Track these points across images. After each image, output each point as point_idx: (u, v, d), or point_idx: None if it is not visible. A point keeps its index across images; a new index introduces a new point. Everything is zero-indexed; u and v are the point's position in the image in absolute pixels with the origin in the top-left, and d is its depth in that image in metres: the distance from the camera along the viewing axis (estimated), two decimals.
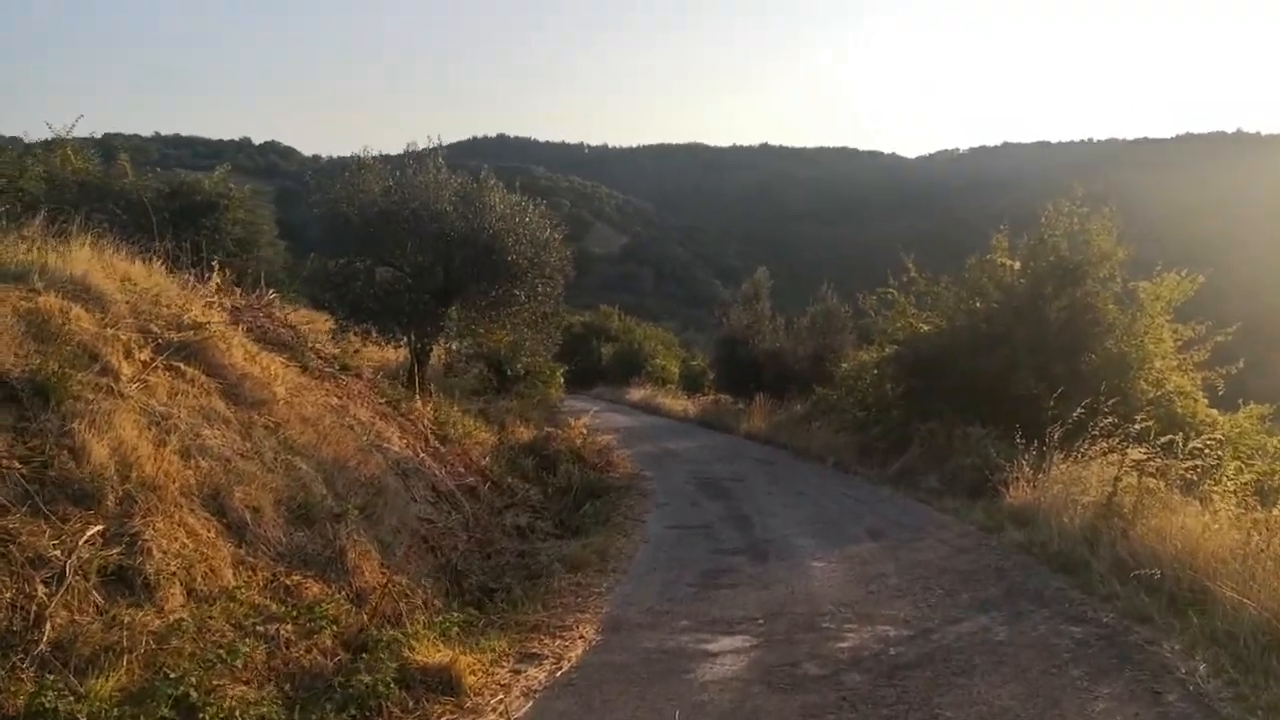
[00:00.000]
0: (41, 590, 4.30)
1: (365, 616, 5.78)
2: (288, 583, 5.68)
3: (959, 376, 15.27)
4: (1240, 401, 14.34)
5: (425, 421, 11.55)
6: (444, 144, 19.10)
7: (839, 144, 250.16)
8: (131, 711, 3.98)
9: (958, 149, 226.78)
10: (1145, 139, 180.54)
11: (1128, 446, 9.46)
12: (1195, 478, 9.14)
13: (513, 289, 16.88)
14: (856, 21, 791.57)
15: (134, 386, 6.21)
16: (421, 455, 9.99)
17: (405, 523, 7.83)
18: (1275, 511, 7.20)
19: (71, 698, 3.92)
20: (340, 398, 9.48)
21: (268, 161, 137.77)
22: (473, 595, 7.49)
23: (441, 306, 17.05)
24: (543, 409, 22.52)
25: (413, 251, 16.89)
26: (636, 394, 38.05)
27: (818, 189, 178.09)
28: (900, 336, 17.58)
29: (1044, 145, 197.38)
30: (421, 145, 18.09)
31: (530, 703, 5.25)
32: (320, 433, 7.85)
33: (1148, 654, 5.91)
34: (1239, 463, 10.88)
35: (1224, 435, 12.08)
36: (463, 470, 10.93)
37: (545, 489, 12.72)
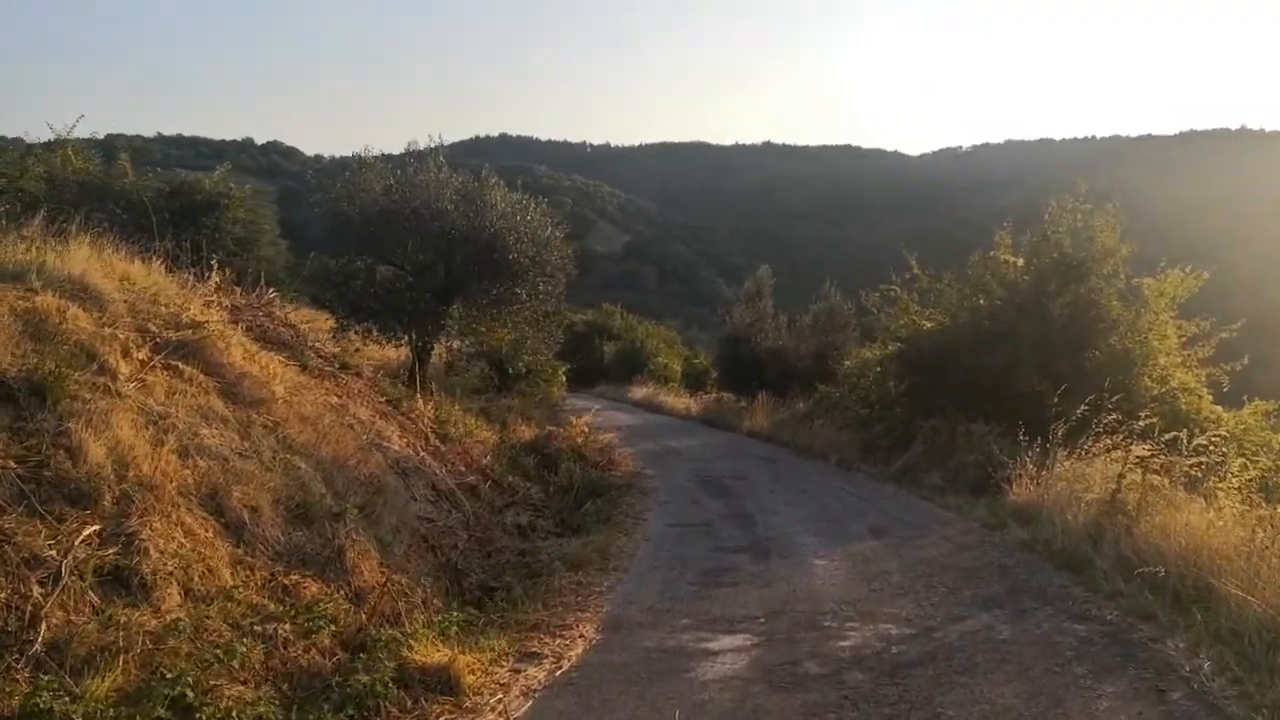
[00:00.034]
0: (37, 590, 4.28)
1: (364, 616, 5.76)
2: (286, 582, 5.66)
3: (962, 373, 15.22)
4: (1245, 398, 14.28)
5: (426, 420, 11.52)
6: (446, 143, 19.13)
7: (842, 142, 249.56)
8: (127, 712, 3.96)
9: (960, 147, 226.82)
10: (1149, 136, 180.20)
11: (1131, 443, 9.41)
12: (1199, 474, 9.09)
13: (514, 287, 16.85)
14: (857, 21, 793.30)
15: (131, 386, 6.19)
16: (422, 454, 9.96)
17: (405, 522, 7.81)
18: None
19: (67, 698, 3.89)
20: (340, 396, 9.46)
21: (270, 161, 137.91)
22: (473, 594, 7.47)
23: (442, 305, 17.02)
24: (544, 407, 22.50)
25: (414, 250, 16.86)
26: (639, 392, 38.04)
27: (820, 187, 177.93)
28: (903, 334, 17.53)
29: (1047, 142, 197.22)
30: (422, 144, 18.09)
31: (529, 702, 5.22)
32: (319, 432, 7.82)
33: (1152, 652, 5.88)
34: (1244, 459, 10.81)
35: (1228, 432, 11.99)
36: (463, 469, 10.91)
37: (546, 487, 12.69)
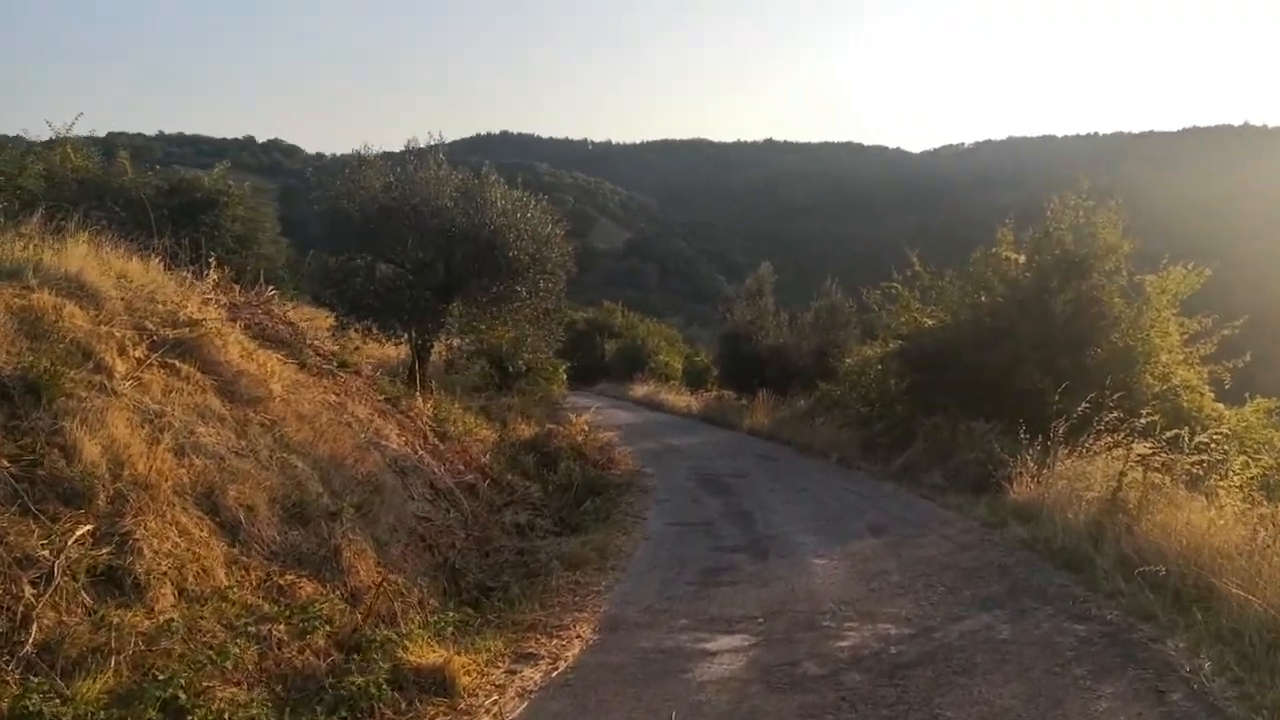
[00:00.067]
0: (29, 591, 4.25)
1: (359, 616, 5.73)
2: (281, 582, 5.63)
3: (963, 371, 15.18)
4: (1247, 395, 14.25)
5: (424, 418, 11.49)
6: (448, 141, 19.12)
7: (843, 139, 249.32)
8: (119, 714, 3.94)
9: (962, 143, 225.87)
10: (1151, 132, 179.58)
11: (1133, 441, 9.38)
12: (1201, 473, 9.07)
13: (514, 285, 16.80)
14: (858, 19, 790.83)
15: (127, 384, 6.16)
16: (420, 452, 9.93)
17: (402, 521, 7.78)
18: None
19: (57, 700, 3.87)
20: (338, 395, 9.43)
21: (271, 160, 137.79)
22: (470, 594, 7.45)
23: (442, 303, 16.99)
24: (545, 406, 22.49)
25: (414, 248, 16.82)
26: (640, 390, 38.02)
27: (822, 184, 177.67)
28: (904, 331, 17.49)
29: (1049, 139, 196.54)
30: (423, 142, 18.04)
31: (525, 704, 5.20)
32: (317, 430, 7.79)
33: (1152, 652, 5.85)
34: (1245, 457, 10.80)
35: (1230, 430, 11.96)
36: (462, 468, 10.88)
37: (546, 486, 12.66)
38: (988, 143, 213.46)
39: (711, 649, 6.18)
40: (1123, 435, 9.75)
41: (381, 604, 6.01)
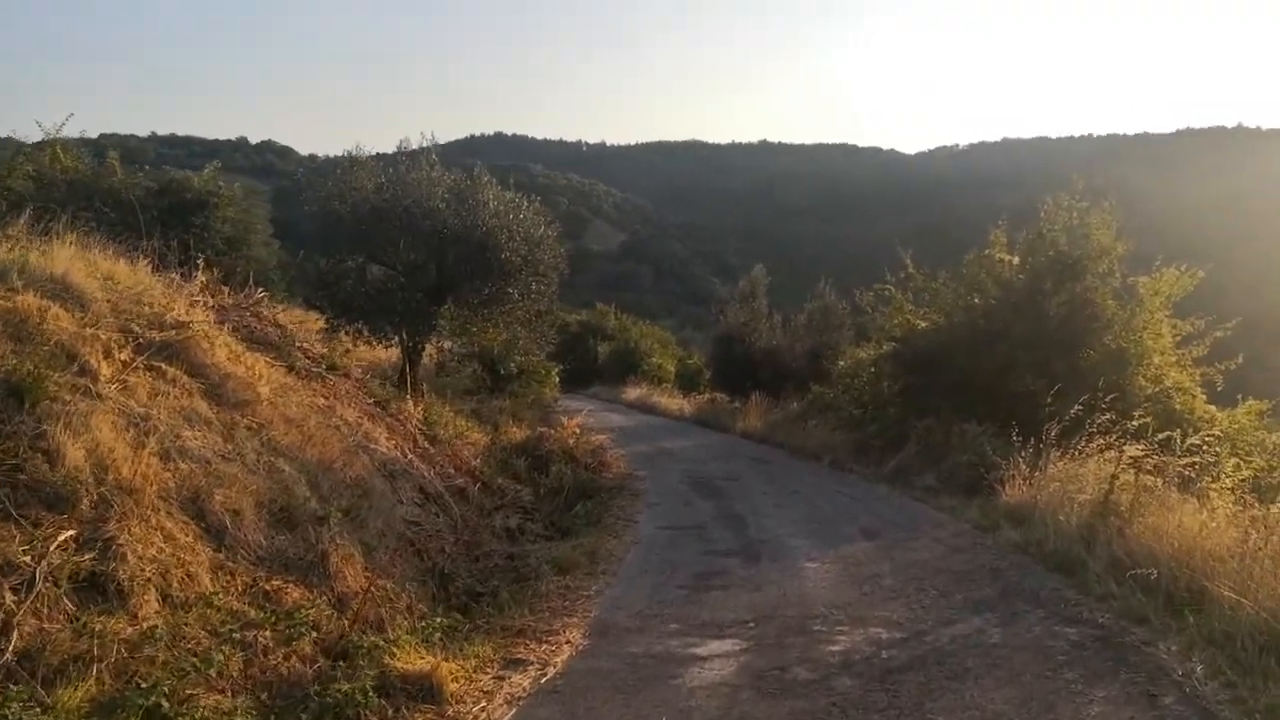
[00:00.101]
0: (9, 597, 4.20)
1: (347, 622, 5.68)
2: (268, 588, 5.57)
3: (956, 373, 15.17)
4: (1239, 397, 14.24)
5: (414, 422, 11.44)
6: (441, 143, 18.92)
7: (838, 140, 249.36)
8: None
9: (957, 145, 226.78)
10: (1146, 134, 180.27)
11: (1125, 443, 9.38)
12: (1193, 475, 9.04)
13: (506, 287, 16.70)
14: (856, 21, 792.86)
15: (112, 387, 6.10)
16: (410, 456, 9.88)
17: (391, 525, 7.72)
18: (1273, 509, 7.10)
19: (38, 709, 3.83)
20: (327, 398, 9.36)
21: (264, 161, 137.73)
22: (459, 599, 7.39)
23: (434, 305, 16.88)
24: (537, 409, 22.45)
25: (405, 249, 16.73)
26: (633, 393, 37.93)
27: (816, 186, 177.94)
28: (897, 333, 17.48)
29: (1044, 140, 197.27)
30: (415, 143, 17.95)
31: (513, 710, 5.16)
32: (305, 434, 7.73)
33: (1144, 655, 5.83)
34: (1237, 459, 10.75)
35: (1222, 431, 11.96)
36: (452, 471, 10.82)
37: (537, 490, 12.59)
38: (982, 144, 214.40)
39: (702, 654, 6.14)
40: (1115, 437, 9.75)
41: (369, 609, 5.97)
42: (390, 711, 4.86)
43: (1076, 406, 10.68)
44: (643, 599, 7.66)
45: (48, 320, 6.24)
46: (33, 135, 13.89)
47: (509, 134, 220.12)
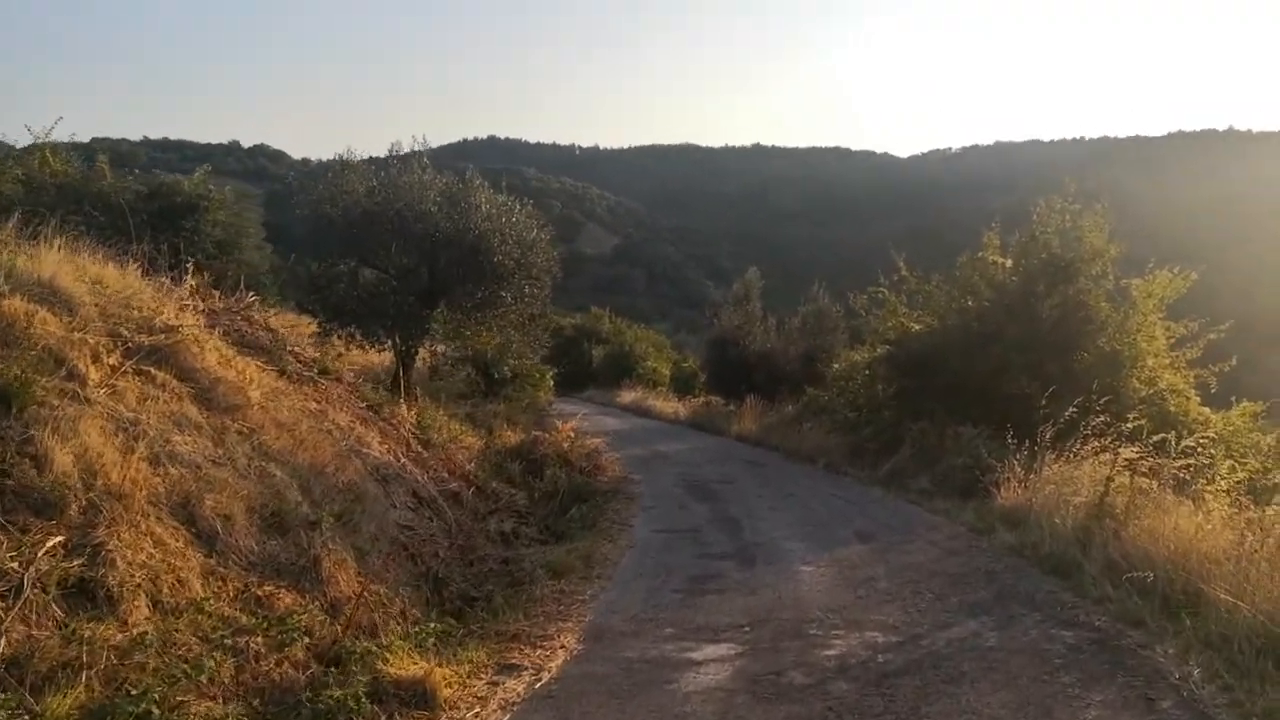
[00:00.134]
0: None
1: (339, 628, 5.63)
2: (259, 593, 5.51)
3: (950, 376, 15.17)
4: (1233, 399, 14.26)
5: (408, 426, 11.39)
6: (434, 146, 18.98)
7: (832, 144, 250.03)
8: None
9: (950, 148, 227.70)
10: (1138, 137, 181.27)
11: (1120, 445, 9.37)
12: (1188, 477, 9.03)
13: (499, 290, 16.67)
14: (856, 22, 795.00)
15: (101, 392, 6.05)
16: (403, 460, 9.83)
17: (384, 530, 7.67)
18: (1269, 511, 7.10)
19: (26, 716, 3.78)
20: (319, 402, 9.31)
21: (257, 165, 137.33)
22: (453, 604, 7.34)
23: (427, 309, 16.83)
24: (531, 412, 22.39)
25: (397, 253, 16.69)
26: (627, 396, 37.89)
27: (810, 189, 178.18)
28: (891, 336, 17.48)
29: (1036, 143, 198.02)
30: (407, 146, 17.91)
31: (508, 716, 5.13)
32: (297, 438, 7.68)
33: (1141, 659, 5.81)
34: (1232, 461, 10.75)
35: (1217, 433, 11.98)
36: (446, 475, 10.77)
37: (531, 493, 12.55)
38: (975, 147, 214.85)
39: (697, 658, 6.11)
40: (1109, 440, 9.73)
41: (362, 615, 5.92)
42: (383, 718, 4.82)
43: (1071, 409, 10.68)
44: (638, 603, 7.63)
45: (35, 324, 6.17)
46: (22, 139, 13.85)
47: (502, 137, 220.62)
